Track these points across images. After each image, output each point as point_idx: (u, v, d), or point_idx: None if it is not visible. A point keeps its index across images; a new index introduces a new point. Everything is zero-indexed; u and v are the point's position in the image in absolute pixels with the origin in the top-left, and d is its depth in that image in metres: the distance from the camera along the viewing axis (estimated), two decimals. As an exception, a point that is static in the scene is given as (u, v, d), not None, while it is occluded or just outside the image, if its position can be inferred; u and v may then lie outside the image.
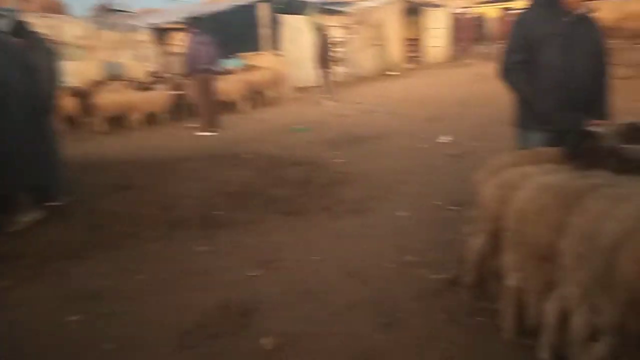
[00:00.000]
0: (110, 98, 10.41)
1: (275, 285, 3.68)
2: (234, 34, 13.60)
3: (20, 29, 5.19)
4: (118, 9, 21.51)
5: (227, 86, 11.46)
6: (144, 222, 5.07)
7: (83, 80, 11.21)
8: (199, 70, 9.68)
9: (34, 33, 5.41)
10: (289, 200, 5.53)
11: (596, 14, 3.58)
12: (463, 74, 16.87)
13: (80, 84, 10.83)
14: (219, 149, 8.33)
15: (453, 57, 22.22)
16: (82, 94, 10.21)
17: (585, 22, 3.49)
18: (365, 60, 18.59)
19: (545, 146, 3.35)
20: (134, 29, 14.86)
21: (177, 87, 11.25)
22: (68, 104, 9.46)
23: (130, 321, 3.30)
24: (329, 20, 16.64)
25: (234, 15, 14.93)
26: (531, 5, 3.62)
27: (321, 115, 11.19)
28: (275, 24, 15.58)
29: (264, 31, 15.55)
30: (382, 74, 18.65)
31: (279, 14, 15.58)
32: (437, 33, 22.03)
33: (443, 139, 7.93)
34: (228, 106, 11.64)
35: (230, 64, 13.05)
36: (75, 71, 10.99)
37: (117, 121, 10.51)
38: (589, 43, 3.49)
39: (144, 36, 14.63)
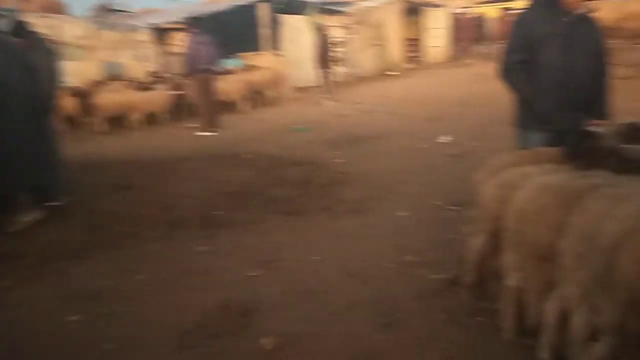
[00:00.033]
0: (110, 98, 10.41)
1: (275, 285, 3.68)
2: (234, 34, 13.60)
3: (20, 29, 5.19)
4: (118, 9, 21.51)
5: (227, 86, 11.46)
6: (144, 222, 5.07)
7: (83, 80, 11.21)
8: (199, 70, 9.68)
9: (34, 33, 5.40)
10: (289, 200, 5.53)
11: (596, 14, 3.58)
12: (463, 74, 16.87)
13: (80, 84, 10.83)
14: (219, 149, 8.33)
15: (453, 57, 22.22)
16: (82, 94, 10.21)
17: (586, 22, 3.49)
18: (365, 60, 18.59)
19: (545, 146, 3.35)
20: (134, 29, 14.85)
21: (177, 87, 11.24)
22: (68, 104, 9.46)
23: (130, 321, 3.30)
24: (329, 20, 16.64)
25: (234, 15, 14.93)
26: (531, 5, 3.62)
27: (321, 115, 11.20)
28: (275, 24, 15.58)
29: (264, 31, 15.55)
30: (382, 74, 18.65)
31: (279, 14, 15.58)
32: (437, 33, 22.03)
33: (443, 139, 7.93)
34: (228, 106, 11.64)
35: (230, 64, 13.05)
36: (75, 71, 10.99)
37: (117, 121, 10.51)
38: (589, 43, 3.49)
39: (144, 36, 14.63)
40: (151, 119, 10.87)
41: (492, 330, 2.88)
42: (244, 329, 3.13)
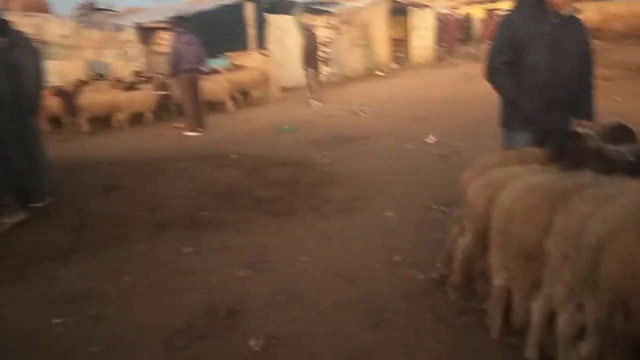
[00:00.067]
0: (94, 98, 10.34)
1: (262, 285, 3.67)
2: (220, 33, 13.53)
3: (4, 28, 5.12)
4: (103, 7, 21.39)
5: (213, 86, 11.42)
6: (130, 223, 5.03)
7: (67, 80, 11.12)
8: (184, 70, 9.62)
9: (17, 32, 5.34)
10: (276, 201, 5.52)
11: (581, 15, 3.62)
12: (449, 74, 16.94)
13: (65, 83, 10.74)
14: (206, 149, 8.30)
15: (439, 57, 22.30)
16: (66, 94, 10.13)
17: (572, 23, 3.53)
18: (351, 60, 18.61)
19: (531, 146, 3.38)
20: (119, 28, 14.76)
21: (162, 87, 11.18)
22: (52, 103, 9.38)
23: (118, 322, 3.28)
24: (316, 20, 16.63)
25: (220, 14, 14.87)
26: (517, 6, 3.65)
27: (308, 116, 11.18)
28: (261, 24, 15.54)
29: (250, 31, 15.51)
30: (369, 74, 18.68)
31: (265, 14, 15.54)
32: (423, 33, 22.12)
33: (430, 139, 7.96)
34: (214, 106, 11.61)
35: (216, 63, 13.01)
36: (59, 70, 10.93)
37: (103, 121, 10.43)
38: (575, 44, 3.52)
39: (129, 35, 14.55)
40: (136, 119, 10.80)
41: (479, 329, 2.89)
42: (231, 330, 3.12)
